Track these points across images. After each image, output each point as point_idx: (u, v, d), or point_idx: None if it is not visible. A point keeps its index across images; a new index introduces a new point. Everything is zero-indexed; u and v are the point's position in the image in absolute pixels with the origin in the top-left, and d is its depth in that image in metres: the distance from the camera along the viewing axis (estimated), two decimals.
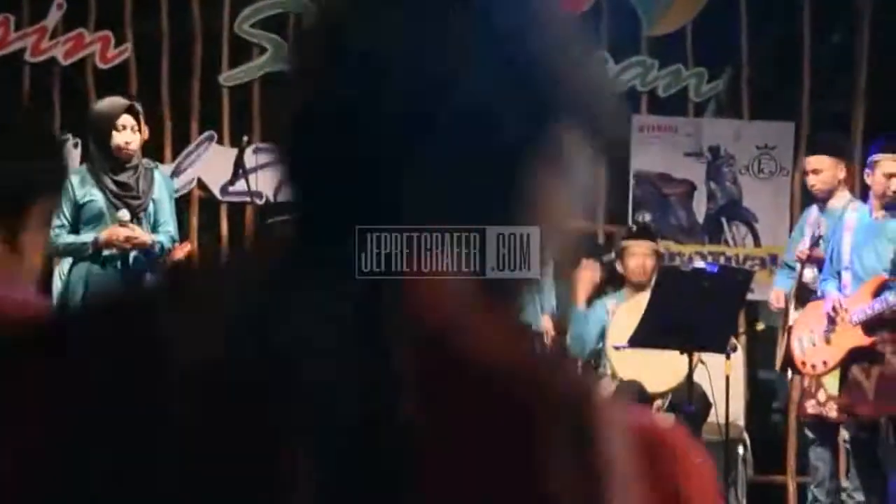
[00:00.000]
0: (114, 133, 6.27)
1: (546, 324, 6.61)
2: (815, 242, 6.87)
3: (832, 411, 6.76)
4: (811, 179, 7.04)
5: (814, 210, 7.18)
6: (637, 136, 8.80)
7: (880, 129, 8.36)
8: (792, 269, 7.16)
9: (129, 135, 6.31)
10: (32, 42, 8.39)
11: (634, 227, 8.04)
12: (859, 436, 6.60)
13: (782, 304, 7.15)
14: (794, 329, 6.80)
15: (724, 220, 8.88)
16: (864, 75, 8.83)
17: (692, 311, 6.20)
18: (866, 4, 8.82)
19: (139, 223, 6.37)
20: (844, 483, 7.07)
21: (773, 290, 7.34)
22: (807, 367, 6.73)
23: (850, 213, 6.69)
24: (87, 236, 6.24)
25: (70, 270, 6.36)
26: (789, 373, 7.22)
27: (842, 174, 6.97)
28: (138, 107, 6.58)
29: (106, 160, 6.30)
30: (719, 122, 8.96)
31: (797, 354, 6.73)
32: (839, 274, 6.61)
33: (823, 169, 6.98)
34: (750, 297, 7.16)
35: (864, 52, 8.84)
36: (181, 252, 6.86)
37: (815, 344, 6.64)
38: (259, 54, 8.64)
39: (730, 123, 8.93)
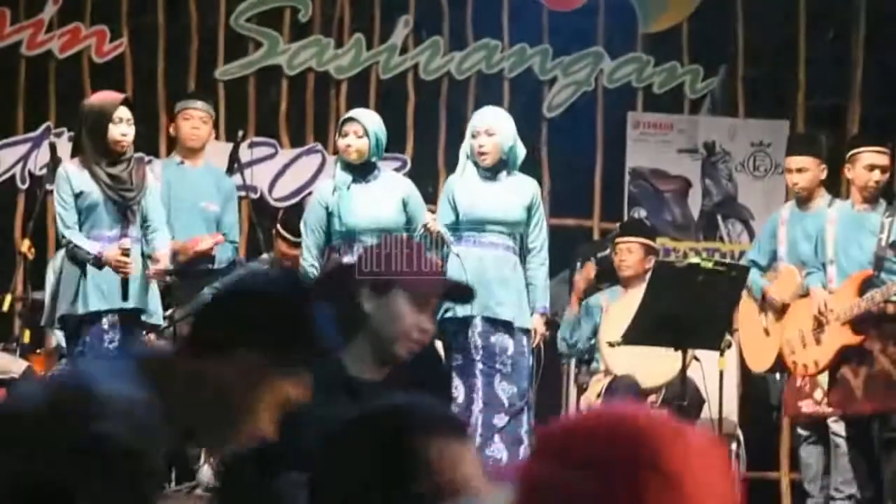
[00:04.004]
0: (110, 126, 6.24)
1: (537, 324, 6.55)
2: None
3: (829, 408, 6.75)
4: (795, 178, 6.99)
5: (786, 209, 7.11)
6: (632, 133, 8.81)
7: (875, 126, 8.38)
8: (761, 268, 7.02)
9: (125, 127, 6.27)
10: (29, 35, 8.39)
11: (624, 223, 8.00)
12: (852, 431, 6.59)
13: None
14: (783, 330, 6.74)
15: (719, 216, 8.88)
16: (860, 72, 8.84)
17: (686, 308, 6.20)
18: (861, 1, 8.83)
19: (133, 216, 6.33)
20: (834, 477, 7.07)
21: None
22: (798, 367, 6.69)
23: (833, 209, 6.69)
24: (92, 246, 6.18)
25: (62, 268, 6.32)
26: (777, 374, 7.24)
27: (822, 174, 6.95)
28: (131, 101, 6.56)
29: (100, 153, 6.25)
30: (714, 120, 8.96)
31: (787, 355, 6.68)
32: (824, 266, 6.59)
33: (807, 168, 6.94)
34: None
35: (860, 49, 8.85)
36: (211, 242, 6.85)
37: (806, 345, 6.61)
38: (255, 49, 8.65)
39: (725, 121, 8.93)
